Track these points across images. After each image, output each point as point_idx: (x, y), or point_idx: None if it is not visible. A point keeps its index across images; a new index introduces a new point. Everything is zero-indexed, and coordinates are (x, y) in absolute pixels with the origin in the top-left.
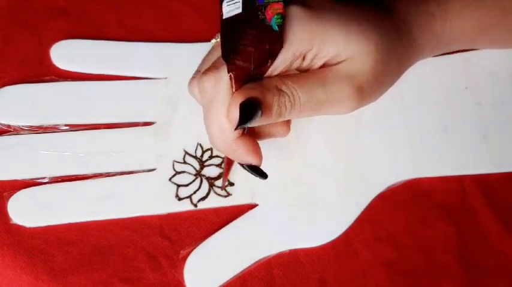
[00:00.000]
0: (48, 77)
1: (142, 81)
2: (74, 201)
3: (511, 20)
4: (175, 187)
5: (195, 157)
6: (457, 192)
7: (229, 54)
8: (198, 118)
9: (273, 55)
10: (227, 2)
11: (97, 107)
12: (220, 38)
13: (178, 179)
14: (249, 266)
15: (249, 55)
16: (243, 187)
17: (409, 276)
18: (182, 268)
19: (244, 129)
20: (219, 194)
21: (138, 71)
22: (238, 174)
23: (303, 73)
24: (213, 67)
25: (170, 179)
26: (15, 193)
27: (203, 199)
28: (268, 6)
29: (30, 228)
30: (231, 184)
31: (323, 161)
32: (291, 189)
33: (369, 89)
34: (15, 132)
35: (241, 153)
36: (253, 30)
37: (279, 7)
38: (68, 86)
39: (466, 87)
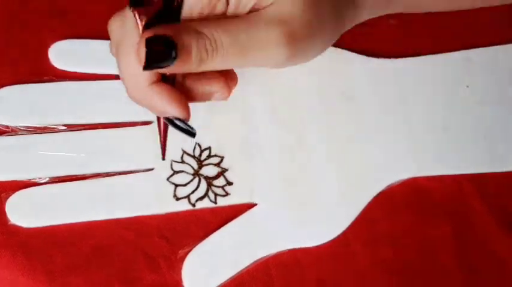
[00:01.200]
0: (46, 77)
1: None
2: (72, 201)
3: None
4: (173, 186)
5: (193, 157)
6: (456, 191)
7: None
8: (196, 118)
9: None
10: None
11: (95, 107)
12: None
13: (176, 178)
14: (248, 266)
15: None
16: (242, 186)
17: (408, 276)
18: (180, 268)
19: (163, 75)
20: (217, 194)
21: None
22: (236, 173)
23: (227, 18)
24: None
25: (168, 179)
26: (13, 193)
27: (201, 198)
28: None
29: (28, 229)
30: (229, 183)
31: (322, 160)
32: (290, 188)
33: (302, 35)
34: (13, 133)
35: (159, 102)
36: None
37: None
38: (67, 86)
39: (467, 86)
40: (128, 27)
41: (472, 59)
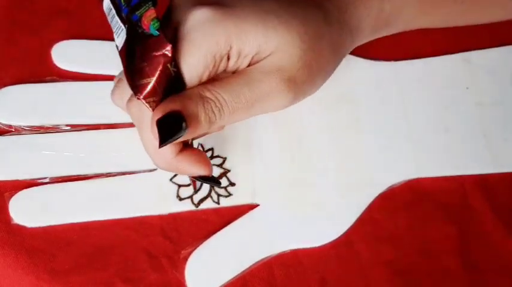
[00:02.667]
0: (49, 77)
1: None
2: (75, 201)
3: None
4: (176, 187)
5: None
6: (457, 192)
7: (130, 79)
8: None
9: (169, 59)
10: (116, 35)
11: (98, 107)
12: (123, 68)
13: (179, 179)
14: (250, 267)
15: (145, 70)
16: (244, 187)
17: (410, 276)
18: (183, 268)
19: (182, 142)
20: (220, 194)
21: None
22: (239, 174)
23: (228, 75)
24: None
25: (171, 179)
26: (16, 193)
27: (204, 199)
28: (142, 18)
29: (31, 228)
30: (232, 184)
31: (324, 161)
32: (292, 189)
33: (302, 79)
34: (16, 133)
35: (185, 167)
36: (139, 47)
37: (151, 13)
38: (69, 86)
39: (467, 87)
40: (143, 110)
41: (472, 60)
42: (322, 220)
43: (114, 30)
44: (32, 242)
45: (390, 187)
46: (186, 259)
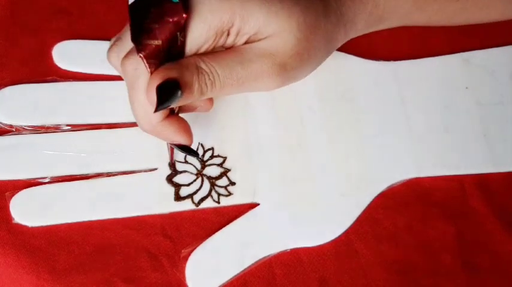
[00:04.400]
0: (50, 78)
1: None
2: (75, 201)
3: None
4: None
5: (196, 157)
6: (457, 192)
7: (136, 36)
8: (199, 118)
9: (180, 28)
10: None
11: (98, 107)
12: (129, 24)
13: (180, 178)
14: (250, 266)
15: (154, 32)
16: (244, 186)
17: (409, 275)
18: (184, 268)
19: (170, 109)
20: (220, 194)
21: None
22: (239, 174)
23: (223, 50)
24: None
25: (171, 179)
26: (17, 192)
27: (204, 198)
28: None
29: (32, 227)
30: (232, 183)
31: (324, 160)
32: (292, 188)
33: (292, 66)
34: (17, 132)
35: (168, 134)
36: (155, 8)
37: None
38: (70, 86)
39: (467, 87)
40: (140, 70)
41: (471, 60)
42: (322, 219)
43: None
44: (33, 242)
45: (390, 186)
46: (186, 258)
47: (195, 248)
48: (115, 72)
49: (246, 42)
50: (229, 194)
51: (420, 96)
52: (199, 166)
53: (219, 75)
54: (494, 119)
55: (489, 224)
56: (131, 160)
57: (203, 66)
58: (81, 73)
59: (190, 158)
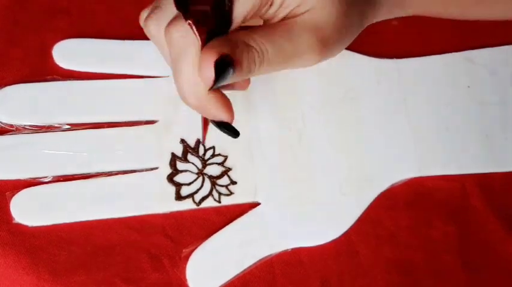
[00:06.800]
0: (50, 77)
1: (145, 80)
2: (76, 200)
3: None
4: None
5: (197, 156)
6: (458, 191)
7: (181, 1)
8: (200, 117)
9: None
10: None
11: (99, 106)
12: None
13: (181, 178)
14: (251, 265)
15: None
16: (245, 185)
17: (410, 275)
18: (184, 267)
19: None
20: (221, 193)
21: (140, 69)
22: (240, 173)
23: (269, 26)
24: (180, 16)
25: (171, 179)
26: (17, 192)
27: (205, 197)
28: None
29: (32, 227)
30: (233, 183)
31: (325, 160)
32: (293, 188)
33: (331, 41)
34: (17, 132)
35: (212, 109)
36: None
37: None
38: (70, 85)
39: (468, 86)
40: (189, 39)
41: (473, 59)
42: (323, 218)
43: None
44: (33, 242)
45: (391, 185)
46: (187, 258)
47: (195, 248)
48: (115, 71)
49: (286, 18)
50: (230, 193)
51: (422, 95)
52: (200, 165)
53: (268, 53)
54: (496, 118)
55: (490, 224)
56: (132, 159)
57: (253, 43)
58: (81, 72)
59: (191, 157)
